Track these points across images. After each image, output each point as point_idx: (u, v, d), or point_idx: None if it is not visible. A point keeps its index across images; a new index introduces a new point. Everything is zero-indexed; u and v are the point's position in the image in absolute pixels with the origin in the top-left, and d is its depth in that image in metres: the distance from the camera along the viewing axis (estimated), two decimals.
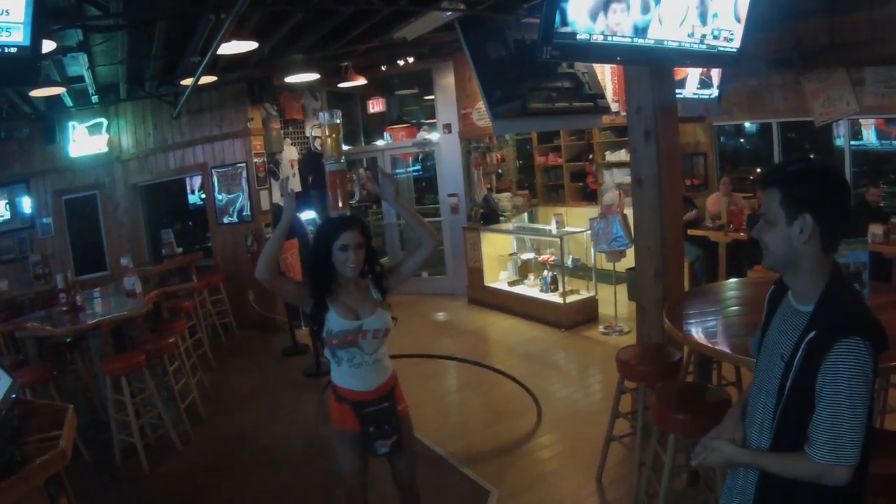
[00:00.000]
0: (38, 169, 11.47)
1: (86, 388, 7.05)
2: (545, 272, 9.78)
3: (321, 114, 8.37)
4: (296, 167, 11.12)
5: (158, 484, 5.64)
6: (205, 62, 6.75)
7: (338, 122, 8.14)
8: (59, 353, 6.95)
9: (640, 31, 4.47)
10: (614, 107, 8.66)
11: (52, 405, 3.85)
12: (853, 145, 8.96)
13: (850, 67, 8.19)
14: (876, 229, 7.20)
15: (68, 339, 6.87)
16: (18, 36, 3.35)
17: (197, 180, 12.06)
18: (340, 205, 7.93)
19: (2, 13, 3.25)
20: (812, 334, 1.98)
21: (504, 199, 11.27)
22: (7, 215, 11.52)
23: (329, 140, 8.15)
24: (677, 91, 6.33)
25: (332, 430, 3.56)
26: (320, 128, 8.41)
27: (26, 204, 11.59)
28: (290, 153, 11.01)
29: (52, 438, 3.04)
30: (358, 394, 3.44)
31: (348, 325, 3.35)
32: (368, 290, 3.52)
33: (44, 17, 3.47)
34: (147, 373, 6.07)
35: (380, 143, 12.36)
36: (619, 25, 4.36)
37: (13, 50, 3.35)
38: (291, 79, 9.13)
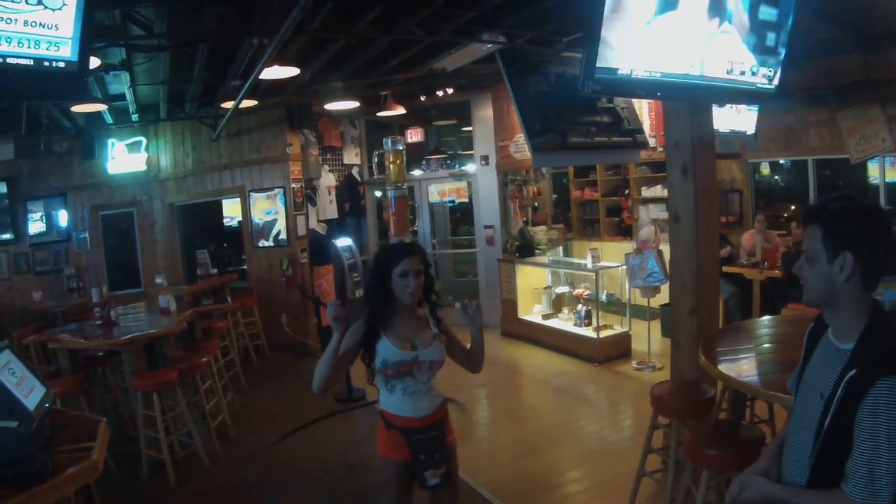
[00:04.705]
0: (76, 184, 11.71)
1: (115, 401, 7.13)
2: (579, 306, 9.72)
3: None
4: (333, 193, 11.20)
5: (185, 500, 5.66)
6: (246, 86, 6.85)
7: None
8: (91, 366, 7.01)
9: (681, 67, 4.48)
10: (651, 142, 8.63)
11: (85, 416, 3.89)
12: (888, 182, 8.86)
13: (885, 104, 8.17)
14: None
15: (100, 353, 6.93)
16: (66, 51, 3.41)
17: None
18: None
19: (51, 27, 3.32)
20: (852, 373, 1.96)
21: (539, 233, 11.27)
22: (43, 227, 11.74)
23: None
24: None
25: (380, 461, 3.48)
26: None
27: (63, 217, 11.81)
28: (328, 179, 11.11)
29: (84, 450, 3.06)
30: (408, 420, 3.39)
31: (404, 356, 3.31)
32: (426, 320, 3.49)
33: (92, 34, 3.53)
34: (179, 390, 6.10)
35: (416, 172, 12.43)
36: (659, 61, 4.37)
37: (61, 65, 3.41)
38: (331, 106, 9.22)
